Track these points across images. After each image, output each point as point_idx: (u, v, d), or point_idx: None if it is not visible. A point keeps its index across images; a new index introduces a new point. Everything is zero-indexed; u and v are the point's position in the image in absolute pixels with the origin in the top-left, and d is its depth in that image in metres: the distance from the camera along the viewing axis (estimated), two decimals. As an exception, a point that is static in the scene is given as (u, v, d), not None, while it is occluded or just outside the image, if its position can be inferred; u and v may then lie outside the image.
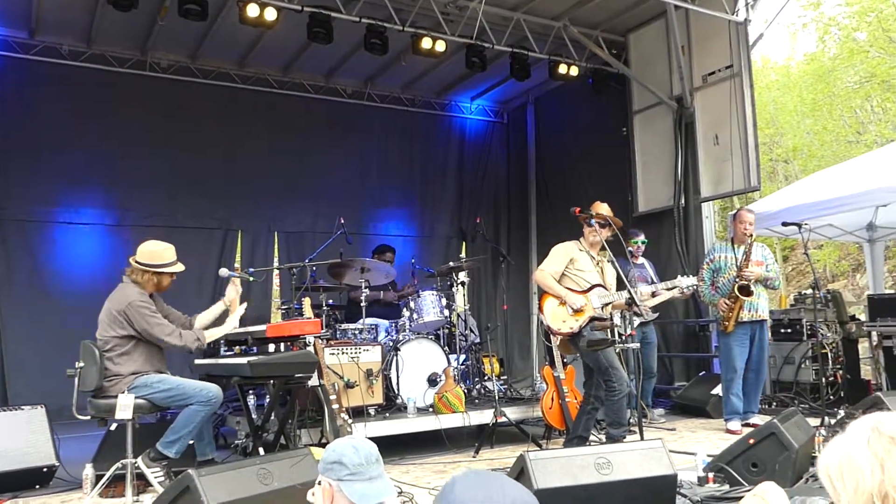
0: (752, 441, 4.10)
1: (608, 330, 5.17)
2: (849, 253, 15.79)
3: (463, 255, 10.40)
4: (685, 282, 5.72)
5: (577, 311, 5.15)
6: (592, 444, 5.38)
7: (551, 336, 5.60)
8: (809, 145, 17.88)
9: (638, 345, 5.02)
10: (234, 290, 4.98)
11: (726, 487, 4.00)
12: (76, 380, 4.44)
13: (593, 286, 5.25)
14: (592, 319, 5.15)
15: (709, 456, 4.42)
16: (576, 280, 5.30)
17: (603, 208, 5.44)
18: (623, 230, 5.50)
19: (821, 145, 17.33)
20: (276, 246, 10.07)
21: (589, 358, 5.16)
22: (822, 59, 18.28)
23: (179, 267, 4.77)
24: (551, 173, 11.19)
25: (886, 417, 1.34)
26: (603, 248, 5.37)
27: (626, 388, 5.05)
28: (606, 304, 5.20)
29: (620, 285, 5.31)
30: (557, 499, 3.34)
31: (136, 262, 4.66)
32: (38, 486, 4.85)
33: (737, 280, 6.22)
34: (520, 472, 3.46)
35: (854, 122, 18.02)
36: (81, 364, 4.43)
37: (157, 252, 4.70)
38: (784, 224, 6.60)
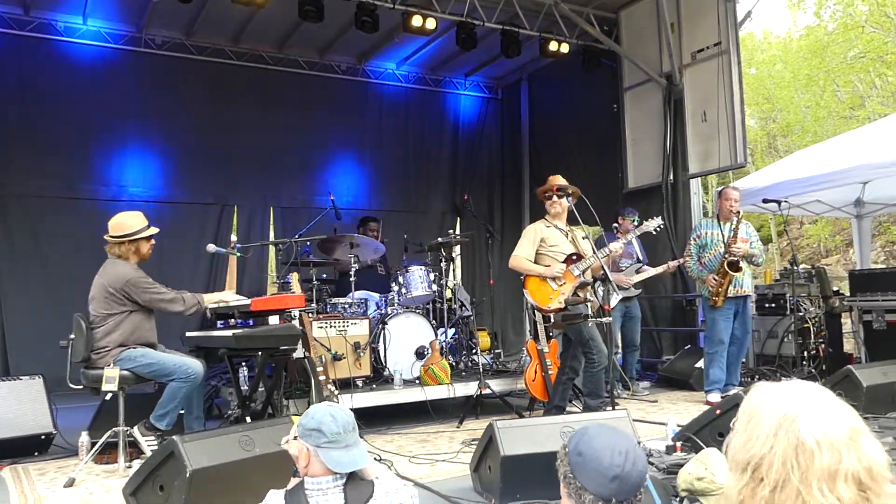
0: (718, 412, 4.26)
1: (583, 304, 5.32)
2: (843, 228, 15.89)
3: (457, 230, 10.59)
4: (652, 224, 5.81)
5: (560, 284, 5.28)
6: (571, 413, 5.55)
7: (541, 314, 5.71)
8: (803, 121, 17.89)
9: (611, 319, 5.15)
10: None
11: (693, 455, 4.16)
12: (69, 351, 4.62)
13: (569, 256, 5.38)
14: (577, 288, 5.29)
15: (678, 426, 4.59)
16: (552, 256, 5.43)
17: (558, 180, 5.57)
18: (575, 200, 5.57)
19: (815, 121, 17.35)
20: (271, 221, 10.23)
21: (571, 330, 5.31)
22: (819, 35, 18.21)
23: (152, 230, 4.86)
24: (544, 149, 11.28)
25: (811, 414, 1.31)
26: (574, 222, 5.50)
27: (605, 359, 5.21)
28: (586, 269, 5.34)
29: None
30: (523, 464, 3.52)
31: (110, 237, 4.77)
32: (36, 453, 5.06)
33: (726, 256, 6.35)
34: (489, 440, 3.64)
35: (852, 97, 18.01)
36: (72, 336, 4.61)
37: (124, 222, 4.79)
38: (764, 201, 6.71)
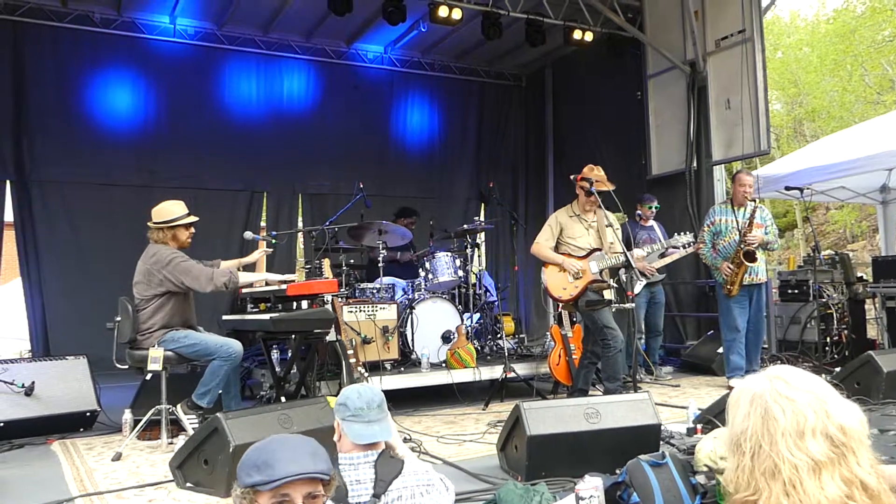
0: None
1: (604, 291, 5.45)
2: (869, 214, 15.79)
3: (482, 216, 10.73)
4: (682, 239, 5.90)
5: (577, 277, 5.43)
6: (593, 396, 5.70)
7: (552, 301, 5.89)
8: (829, 106, 17.73)
9: (633, 305, 5.27)
10: (258, 254, 5.29)
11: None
12: (115, 333, 4.85)
13: (592, 251, 5.50)
14: (591, 283, 5.42)
15: (699, 409, 4.72)
16: (569, 248, 5.57)
17: (596, 172, 5.62)
18: (611, 193, 5.64)
19: (841, 106, 17.18)
20: (300, 207, 10.44)
21: (586, 317, 5.47)
22: (847, 18, 17.98)
23: (192, 218, 5.06)
24: (568, 136, 11.35)
25: (776, 388, 1.48)
26: (600, 207, 5.60)
27: (621, 344, 5.36)
28: (604, 269, 5.47)
29: (626, 246, 5.56)
30: (548, 444, 3.68)
31: (152, 223, 5.00)
32: (82, 429, 5.33)
33: (742, 246, 6.37)
34: (515, 420, 3.80)
35: (882, 80, 17.77)
36: (118, 319, 4.84)
37: (166, 209, 5.02)
38: (787, 188, 6.75)
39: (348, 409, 2.53)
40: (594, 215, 5.68)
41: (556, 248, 5.63)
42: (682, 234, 5.91)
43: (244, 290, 5.28)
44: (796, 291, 8.07)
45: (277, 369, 5.62)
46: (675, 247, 5.99)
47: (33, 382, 5.18)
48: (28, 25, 8.57)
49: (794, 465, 1.40)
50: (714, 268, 6.69)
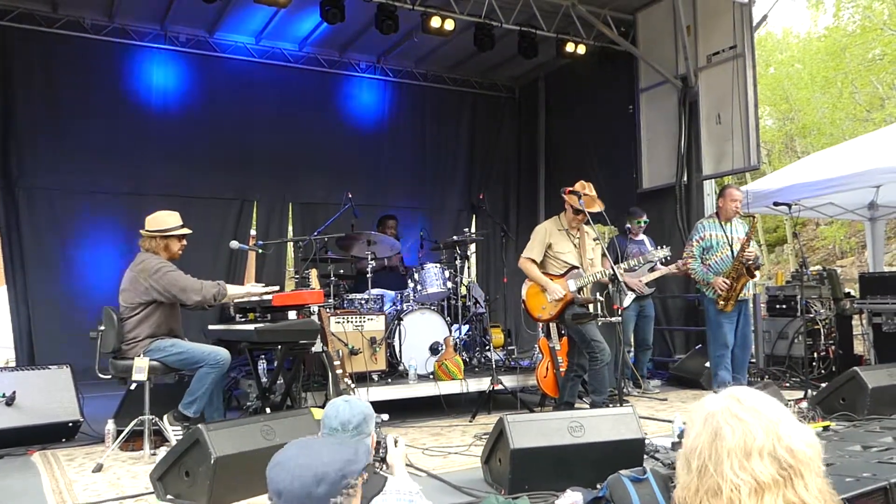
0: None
1: (590, 304, 5.45)
2: (858, 230, 15.86)
3: (473, 228, 10.72)
4: (660, 253, 5.92)
5: (557, 299, 5.45)
6: (581, 409, 5.68)
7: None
8: (819, 123, 17.87)
9: (619, 319, 5.25)
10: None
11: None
12: (98, 342, 4.81)
13: (569, 269, 5.50)
14: (570, 303, 5.43)
15: (684, 423, 4.69)
16: (556, 264, 5.56)
17: (588, 191, 5.59)
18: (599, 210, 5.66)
19: (830, 123, 17.31)
20: (290, 217, 10.40)
21: (573, 330, 5.46)
22: (838, 36, 18.15)
23: (186, 230, 5.06)
24: (560, 149, 11.37)
25: (729, 408, 1.45)
26: (588, 223, 5.60)
27: (608, 357, 5.36)
28: (582, 287, 5.47)
29: (615, 260, 5.57)
30: (532, 457, 3.66)
31: (145, 231, 4.98)
32: (64, 440, 5.26)
33: (742, 261, 6.34)
34: (499, 434, 3.78)
35: (872, 98, 17.92)
36: (102, 328, 4.80)
37: (160, 218, 5.02)
38: (775, 204, 6.78)
39: (324, 426, 2.50)
40: (578, 231, 5.68)
41: (542, 262, 5.62)
42: (660, 247, 5.93)
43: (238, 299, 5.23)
44: (784, 307, 8.09)
45: (263, 380, 5.58)
46: (651, 261, 5.99)
47: (14, 392, 5.12)
48: (17, 30, 8.51)
49: (736, 485, 1.38)
50: (704, 283, 6.64)
